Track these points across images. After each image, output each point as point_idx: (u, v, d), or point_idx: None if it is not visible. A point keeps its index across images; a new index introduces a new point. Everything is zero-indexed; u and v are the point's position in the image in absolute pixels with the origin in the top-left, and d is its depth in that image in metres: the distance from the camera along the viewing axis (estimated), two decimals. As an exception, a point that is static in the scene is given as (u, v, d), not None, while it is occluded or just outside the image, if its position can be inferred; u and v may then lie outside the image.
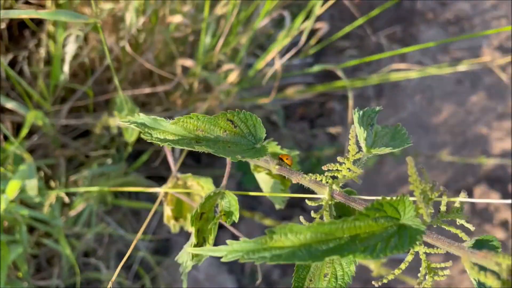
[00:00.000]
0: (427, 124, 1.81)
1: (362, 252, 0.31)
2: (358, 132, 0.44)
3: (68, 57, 0.91)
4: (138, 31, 1.28)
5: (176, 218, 0.67)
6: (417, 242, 0.32)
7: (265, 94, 1.47)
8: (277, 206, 0.68)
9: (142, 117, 0.48)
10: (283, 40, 1.09)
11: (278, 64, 1.08)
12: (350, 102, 1.18)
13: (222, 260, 0.33)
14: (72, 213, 1.25)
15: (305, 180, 0.46)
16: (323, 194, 0.45)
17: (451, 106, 1.83)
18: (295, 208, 1.71)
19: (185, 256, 0.54)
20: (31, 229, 1.22)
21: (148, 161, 1.47)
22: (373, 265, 0.86)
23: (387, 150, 0.45)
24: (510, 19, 2.02)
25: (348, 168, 0.44)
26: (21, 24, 1.29)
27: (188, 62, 1.06)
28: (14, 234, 1.03)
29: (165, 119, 0.48)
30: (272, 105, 1.47)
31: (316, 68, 1.18)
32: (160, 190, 0.63)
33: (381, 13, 2.04)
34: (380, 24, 2.01)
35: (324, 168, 0.45)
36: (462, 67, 1.27)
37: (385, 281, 0.39)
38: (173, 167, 0.64)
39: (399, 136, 0.49)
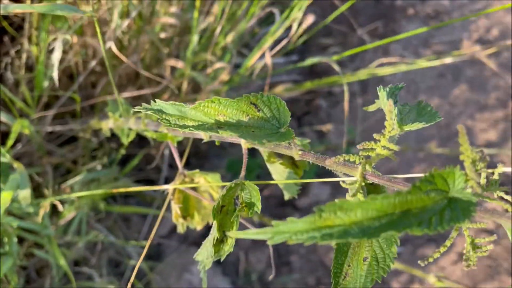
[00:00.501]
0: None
1: (418, 226, 0.30)
2: (388, 108, 0.43)
3: (56, 62, 0.88)
4: (123, 33, 1.25)
5: (184, 217, 0.65)
6: (472, 214, 0.31)
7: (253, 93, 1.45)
8: (287, 197, 0.66)
9: (159, 103, 0.46)
10: (273, 34, 1.08)
11: (268, 59, 1.07)
12: (346, 95, 1.17)
13: (269, 243, 0.31)
14: (62, 221, 1.21)
15: (335, 162, 0.45)
16: (355, 176, 0.43)
17: (435, 100, 1.85)
18: (287, 207, 1.70)
19: (204, 253, 0.51)
20: (19, 240, 1.17)
21: (136, 165, 1.44)
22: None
23: (420, 125, 0.44)
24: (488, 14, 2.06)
25: (383, 146, 0.42)
26: None
27: (176, 63, 1.03)
28: (3, 246, 0.99)
29: (184, 104, 0.46)
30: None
31: (308, 61, 1.17)
32: (169, 187, 0.61)
33: (362, 9, 2.05)
34: (362, 20, 2.02)
35: (359, 147, 0.44)
36: (448, 59, 1.28)
37: (430, 259, 0.37)
38: (179, 164, 0.62)
39: (425, 112, 0.48)
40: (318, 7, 1.90)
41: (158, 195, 1.46)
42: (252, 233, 0.32)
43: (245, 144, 0.52)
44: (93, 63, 1.29)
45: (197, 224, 0.66)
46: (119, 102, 0.70)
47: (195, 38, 1.00)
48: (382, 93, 0.46)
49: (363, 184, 0.42)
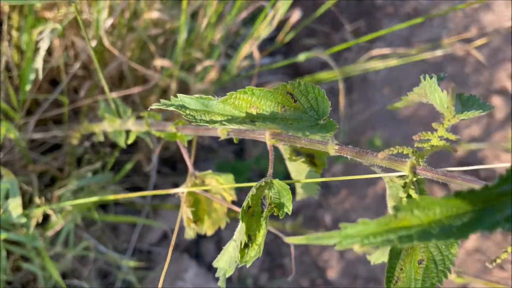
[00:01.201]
0: (399, 117, 1.83)
1: (507, 222, 0.27)
2: (441, 96, 0.40)
3: (42, 52, 0.83)
4: (108, 33, 1.21)
5: (195, 222, 0.62)
6: None
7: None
8: (300, 197, 0.64)
9: (181, 97, 0.43)
10: (263, 30, 1.06)
11: (256, 53, 1.04)
12: (342, 90, 1.16)
13: (337, 248, 0.28)
14: (50, 232, 1.16)
15: (379, 157, 0.43)
16: (404, 171, 0.41)
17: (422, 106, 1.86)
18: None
19: (226, 259, 0.49)
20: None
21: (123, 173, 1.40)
22: None
23: (477, 113, 0.41)
24: (465, 10, 2.09)
25: (440, 136, 0.40)
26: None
27: (165, 62, 1.00)
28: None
29: (213, 97, 0.43)
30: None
31: (301, 57, 1.15)
32: (182, 190, 0.57)
33: (344, 9, 2.06)
34: (344, 20, 2.03)
35: (415, 137, 0.42)
36: (440, 51, 1.29)
37: (498, 261, 0.36)
38: (190, 165, 0.59)
39: (472, 102, 0.46)
40: (301, 7, 1.89)
41: (147, 202, 1.42)
42: (316, 238, 0.29)
43: (270, 141, 0.49)
44: (76, 65, 1.24)
45: (208, 229, 0.63)
46: (116, 103, 0.67)
47: (183, 34, 0.97)
48: (428, 81, 0.43)
49: (414, 179, 0.40)
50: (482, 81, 1.90)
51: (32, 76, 1.08)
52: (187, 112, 0.42)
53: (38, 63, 0.85)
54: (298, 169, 0.58)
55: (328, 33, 1.97)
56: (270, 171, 0.49)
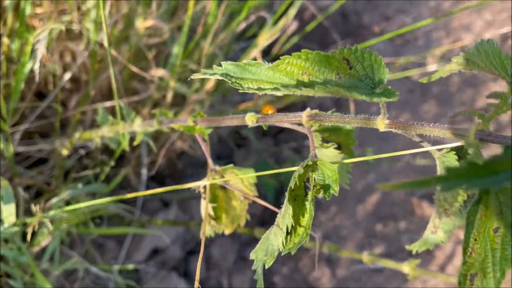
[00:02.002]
0: (386, 133, 1.84)
1: None
2: (502, 59, 0.38)
3: (39, 54, 0.80)
4: (100, 44, 1.19)
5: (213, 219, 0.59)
6: None
7: (234, 106, 1.42)
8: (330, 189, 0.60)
9: (225, 65, 0.41)
10: (265, 40, 1.06)
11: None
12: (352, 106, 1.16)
13: (444, 189, 0.25)
14: (36, 248, 1.11)
15: (438, 128, 0.40)
16: (466, 138, 0.38)
17: (406, 114, 1.88)
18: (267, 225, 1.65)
19: (263, 249, 0.46)
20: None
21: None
22: (408, 268, 0.82)
23: None
24: (448, 29, 2.14)
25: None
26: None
27: (161, 72, 0.98)
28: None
29: (263, 62, 0.40)
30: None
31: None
32: (203, 182, 0.55)
33: (331, 28, 2.08)
34: (331, 38, 2.05)
35: (487, 97, 0.39)
36: (425, 69, 1.30)
37: None
38: (210, 159, 0.57)
39: None
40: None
41: (136, 217, 1.38)
42: (416, 183, 0.26)
43: (307, 123, 0.47)
44: (66, 77, 1.22)
45: (226, 228, 0.60)
46: (120, 106, 0.65)
47: (180, 45, 0.96)
48: (488, 44, 0.40)
49: (476, 144, 0.38)
50: (466, 100, 1.94)
51: (35, 66, 1.05)
52: (233, 80, 0.40)
53: (35, 66, 0.82)
54: (330, 157, 0.55)
55: (315, 49, 1.99)
56: (313, 152, 0.47)
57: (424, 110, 1.90)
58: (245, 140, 1.71)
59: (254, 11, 1.09)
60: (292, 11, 1.13)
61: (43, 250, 1.18)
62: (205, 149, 0.58)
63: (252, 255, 0.47)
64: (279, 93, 0.39)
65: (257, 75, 0.40)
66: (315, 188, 0.45)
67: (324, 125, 0.54)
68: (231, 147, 1.74)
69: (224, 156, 1.71)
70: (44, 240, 1.11)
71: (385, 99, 0.38)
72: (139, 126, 0.64)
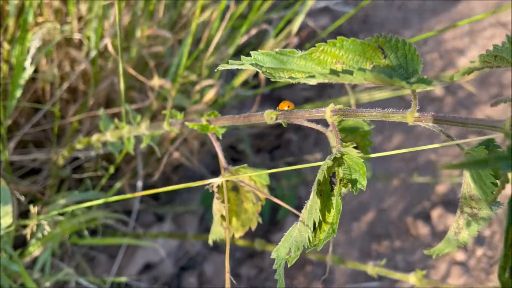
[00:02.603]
0: (380, 151, 1.84)
1: None
2: None
3: (32, 50, 0.79)
4: (100, 54, 1.19)
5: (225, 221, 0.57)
6: None
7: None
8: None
9: (254, 55, 0.40)
10: (275, 36, 1.06)
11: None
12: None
13: None
14: (27, 259, 1.09)
15: (472, 120, 0.39)
16: (501, 129, 0.37)
17: (400, 133, 1.89)
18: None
19: (286, 246, 0.45)
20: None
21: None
22: (414, 279, 0.81)
23: None
24: (440, 52, 2.18)
25: None
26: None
27: (163, 82, 0.98)
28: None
29: (296, 50, 0.39)
30: (239, 133, 1.42)
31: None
32: (218, 180, 0.54)
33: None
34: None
35: None
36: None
37: None
38: (223, 159, 0.56)
39: None
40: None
41: (130, 229, 1.36)
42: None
43: (331, 118, 0.46)
44: (64, 85, 1.21)
45: (236, 231, 0.58)
46: (126, 110, 0.64)
47: (185, 55, 0.96)
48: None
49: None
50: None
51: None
52: (263, 69, 0.39)
53: (32, 50, 0.81)
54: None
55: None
56: (338, 146, 0.46)
57: (419, 130, 1.91)
58: (240, 155, 1.71)
59: (255, 25, 1.10)
60: (295, 26, 1.15)
61: (34, 260, 1.15)
62: (218, 148, 0.57)
63: (273, 254, 0.46)
64: (312, 82, 0.38)
65: (288, 64, 0.39)
66: (342, 182, 0.44)
67: (341, 125, 0.54)
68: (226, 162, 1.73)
69: (218, 172, 1.70)
70: (36, 250, 1.09)
71: (425, 86, 0.37)
72: (146, 129, 0.63)
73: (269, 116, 0.50)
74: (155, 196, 1.58)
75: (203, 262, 1.53)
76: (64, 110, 1.35)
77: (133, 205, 1.34)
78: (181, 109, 1.19)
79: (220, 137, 0.58)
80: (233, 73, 1.40)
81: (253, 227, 0.57)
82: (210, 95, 1.03)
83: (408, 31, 2.25)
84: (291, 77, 0.39)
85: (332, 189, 0.44)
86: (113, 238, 1.21)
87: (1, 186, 0.70)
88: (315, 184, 0.42)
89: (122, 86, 0.62)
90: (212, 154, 1.71)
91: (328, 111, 0.47)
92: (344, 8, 1.84)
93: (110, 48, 0.93)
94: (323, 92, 1.97)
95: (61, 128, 1.36)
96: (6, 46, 1.00)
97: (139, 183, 1.31)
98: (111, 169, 0.88)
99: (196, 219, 1.57)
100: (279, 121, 0.51)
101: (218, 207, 0.54)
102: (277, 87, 1.92)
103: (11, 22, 0.96)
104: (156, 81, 0.94)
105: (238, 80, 1.10)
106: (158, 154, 0.63)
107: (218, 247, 1.56)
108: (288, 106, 0.58)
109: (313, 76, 0.38)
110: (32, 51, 0.78)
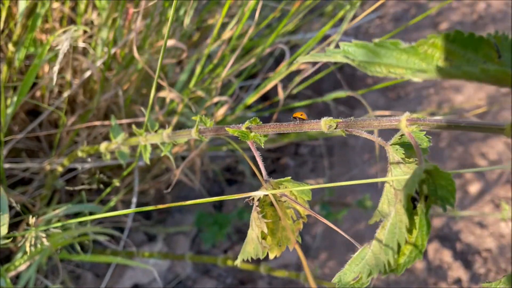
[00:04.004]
0: (376, 182, 1.83)
1: None
2: None
3: (61, 55, 0.76)
4: (105, 64, 1.16)
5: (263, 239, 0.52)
6: None
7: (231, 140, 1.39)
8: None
9: (344, 46, 0.35)
10: (283, 73, 1.04)
11: (281, 93, 1.02)
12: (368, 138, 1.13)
13: None
14: (13, 273, 1.03)
15: None
16: None
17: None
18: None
19: (356, 271, 0.40)
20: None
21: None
22: None
23: None
24: (438, 88, 2.20)
25: None
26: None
27: (172, 95, 0.95)
28: None
29: (401, 41, 0.34)
30: (237, 154, 1.39)
31: (332, 95, 1.12)
32: (260, 193, 0.49)
33: (326, 76, 2.11)
34: (326, 86, 2.07)
35: None
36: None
37: None
38: (263, 170, 0.52)
39: None
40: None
41: (121, 247, 1.30)
42: None
43: (407, 128, 0.42)
44: (64, 94, 1.17)
45: (271, 251, 0.52)
46: (148, 117, 0.60)
47: (201, 66, 0.93)
48: None
49: None
50: (455, 156, 1.96)
51: (54, 68, 0.99)
52: (356, 62, 0.35)
53: (60, 55, 0.77)
54: (407, 173, 0.49)
55: (310, 96, 2.00)
56: (420, 157, 0.40)
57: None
58: (237, 176, 1.67)
59: (272, 45, 1.09)
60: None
61: (18, 275, 1.09)
62: (258, 158, 0.53)
63: (335, 279, 0.41)
64: (417, 79, 0.33)
65: (386, 58, 0.34)
66: (428, 199, 0.39)
67: (402, 139, 0.49)
68: (221, 185, 1.69)
69: (214, 194, 1.66)
70: (21, 265, 1.03)
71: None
72: (167, 137, 0.59)
73: (327, 124, 0.46)
74: (147, 215, 1.53)
75: (193, 286, 1.47)
76: (60, 120, 1.31)
77: (125, 223, 1.29)
78: (183, 125, 1.16)
79: (263, 145, 0.54)
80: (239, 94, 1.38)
81: (291, 247, 0.51)
82: (222, 111, 1.00)
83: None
84: (390, 72, 0.34)
85: (415, 207, 0.39)
86: (103, 255, 1.15)
87: (0, 194, 0.65)
88: (402, 200, 0.37)
89: (154, 89, 0.59)
90: (206, 175, 1.67)
91: (403, 120, 0.42)
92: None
93: (136, 54, 0.90)
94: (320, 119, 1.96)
95: (55, 139, 1.32)
96: (11, 47, 0.97)
97: (134, 199, 1.26)
98: (116, 182, 0.83)
99: (188, 241, 1.52)
100: (337, 130, 0.47)
101: (257, 223, 0.49)
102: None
103: (19, 24, 0.93)
104: (167, 93, 0.91)
105: (251, 99, 1.08)
106: (173, 165, 0.59)
107: (208, 271, 1.51)
108: (301, 114, 0.56)
109: (424, 71, 0.33)
110: (61, 56, 0.75)
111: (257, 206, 0.49)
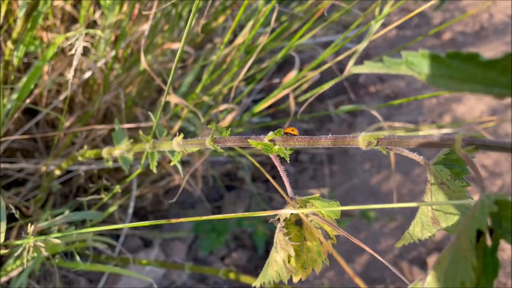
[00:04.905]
0: (377, 192, 1.80)
1: None
2: None
3: (77, 57, 0.72)
4: (108, 65, 1.13)
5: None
6: None
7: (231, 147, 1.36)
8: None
9: (406, 56, 0.31)
10: (294, 81, 1.01)
11: (292, 103, 0.99)
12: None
13: None
14: (4, 278, 0.99)
15: None
16: None
17: (398, 176, 1.86)
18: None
19: None
20: None
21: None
22: None
23: None
24: (439, 99, 2.18)
25: None
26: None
27: (178, 99, 0.91)
28: None
29: (480, 54, 0.30)
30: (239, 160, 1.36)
31: (345, 108, 1.09)
32: (287, 211, 0.46)
33: (326, 82, 2.08)
34: (328, 93, 2.05)
35: None
36: (444, 130, 1.28)
37: None
38: (289, 187, 0.49)
39: None
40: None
41: (116, 253, 1.26)
42: None
43: (462, 149, 0.37)
44: (63, 94, 1.13)
45: (295, 274, 0.47)
46: (157, 124, 0.57)
47: (206, 71, 0.90)
48: None
49: None
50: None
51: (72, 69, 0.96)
52: (422, 76, 0.30)
53: (76, 58, 0.73)
54: (451, 197, 0.45)
55: (312, 103, 1.97)
56: (482, 184, 0.35)
57: (416, 173, 1.88)
58: (236, 182, 1.64)
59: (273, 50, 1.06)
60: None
61: (8, 281, 1.05)
62: (283, 173, 0.50)
63: None
64: (496, 97, 0.29)
65: (459, 72, 0.29)
66: (494, 232, 0.33)
67: (448, 159, 0.45)
68: (219, 191, 1.65)
69: (212, 199, 1.62)
70: (14, 271, 0.99)
71: None
72: (178, 145, 0.56)
73: (365, 140, 0.42)
74: (143, 219, 1.49)
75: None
76: (57, 121, 1.27)
77: (120, 228, 1.25)
78: (188, 132, 1.13)
79: (288, 159, 0.50)
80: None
81: (317, 269, 0.47)
82: (228, 118, 0.97)
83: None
84: (460, 88, 0.30)
85: (484, 244, 0.33)
86: (99, 262, 1.11)
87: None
88: (467, 233, 0.32)
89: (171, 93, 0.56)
90: (205, 181, 1.64)
91: (458, 140, 0.37)
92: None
93: (144, 64, 0.86)
94: (322, 126, 1.93)
95: (52, 139, 1.28)
96: (10, 45, 0.93)
97: (131, 204, 1.23)
98: (117, 188, 0.80)
99: (185, 247, 1.48)
100: (377, 147, 0.42)
101: (283, 245, 0.45)
102: (278, 122, 1.87)
103: (19, 21, 0.89)
104: (172, 98, 0.87)
105: (259, 107, 1.05)
106: (181, 174, 0.56)
107: (204, 278, 1.47)
108: (292, 130, 0.53)
109: (502, 87, 0.29)
110: (77, 58, 0.71)
111: (283, 227, 0.46)
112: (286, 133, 0.52)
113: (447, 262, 0.33)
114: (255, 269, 1.50)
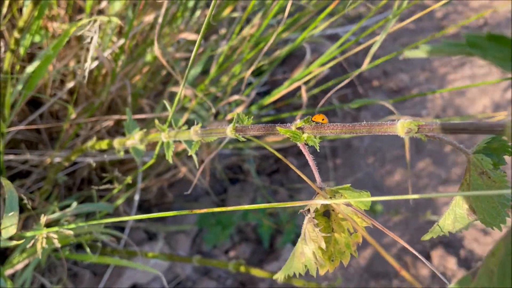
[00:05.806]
0: (381, 186, 1.80)
1: None
2: None
3: (92, 47, 0.70)
4: (114, 55, 1.11)
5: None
6: None
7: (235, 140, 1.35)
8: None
9: (472, 38, 0.29)
10: (305, 73, 1.00)
11: (304, 96, 0.98)
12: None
13: None
14: (9, 271, 0.98)
15: None
16: None
17: (401, 170, 1.85)
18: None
19: None
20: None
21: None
22: None
23: None
24: (442, 93, 2.17)
25: None
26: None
27: (187, 91, 0.90)
28: None
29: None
30: (245, 152, 1.35)
31: (354, 104, 1.08)
32: (319, 201, 0.45)
33: (332, 77, 2.07)
34: (331, 87, 2.03)
35: None
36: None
37: None
38: (318, 176, 0.48)
39: None
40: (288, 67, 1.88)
41: (121, 246, 1.26)
42: None
43: None
44: (68, 85, 1.12)
45: (321, 266, 0.46)
46: (172, 114, 0.56)
47: (215, 63, 0.89)
48: None
49: None
50: (460, 161, 1.94)
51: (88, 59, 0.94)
52: (488, 58, 0.28)
53: (91, 50, 0.72)
54: (491, 187, 0.45)
55: (316, 96, 1.96)
56: None
57: (420, 167, 1.88)
58: (239, 175, 1.63)
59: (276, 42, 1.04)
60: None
61: (14, 274, 1.04)
62: (312, 162, 0.49)
63: None
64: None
65: None
66: None
67: (489, 147, 0.44)
68: (223, 184, 1.64)
69: (216, 193, 1.62)
70: (20, 263, 0.98)
71: None
72: (196, 134, 0.54)
73: (405, 127, 0.40)
74: (147, 213, 1.48)
75: (193, 287, 1.43)
76: (61, 112, 1.26)
77: (125, 221, 1.24)
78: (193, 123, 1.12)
79: (317, 148, 0.49)
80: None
81: (345, 262, 0.46)
82: (238, 110, 0.96)
83: (413, 70, 2.24)
84: None
85: None
86: (104, 254, 1.10)
87: (8, 189, 0.60)
88: None
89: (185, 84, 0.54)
90: (209, 173, 1.63)
91: (508, 125, 0.34)
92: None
93: (157, 52, 0.85)
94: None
95: (56, 131, 1.27)
96: (16, 34, 0.92)
97: (136, 197, 1.22)
98: (128, 179, 0.79)
99: (189, 240, 1.47)
100: (417, 135, 0.40)
101: (313, 237, 0.44)
102: (281, 117, 1.86)
103: (26, 9, 0.88)
104: (181, 89, 0.86)
105: (268, 100, 1.04)
106: (196, 164, 0.55)
107: (208, 272, 1.46)
108: (323, 119, 0.51)
109: None
110: (92, 48, 0.70)
111: (313, 217, 0.44)
112: (314, 121, 0.51)
113: (502, 256, 0.31)
114: (259, 262, 1.50)
